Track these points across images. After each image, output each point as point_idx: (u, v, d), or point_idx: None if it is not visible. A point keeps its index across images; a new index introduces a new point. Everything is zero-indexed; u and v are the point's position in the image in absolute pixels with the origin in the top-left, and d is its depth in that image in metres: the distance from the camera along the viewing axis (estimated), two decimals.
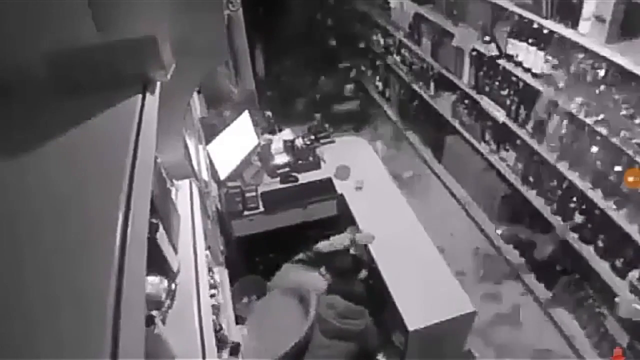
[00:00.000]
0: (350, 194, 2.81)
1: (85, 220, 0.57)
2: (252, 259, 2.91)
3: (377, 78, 5.20)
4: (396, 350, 2.31)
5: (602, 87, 2.25)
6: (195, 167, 1.90)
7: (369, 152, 3.26)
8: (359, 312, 2.23)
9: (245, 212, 2.72)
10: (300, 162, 2.98)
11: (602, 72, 2.26)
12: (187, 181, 1.66)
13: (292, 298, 2.30)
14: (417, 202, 3.43)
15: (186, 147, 1.77)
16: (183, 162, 1.67)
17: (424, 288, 2.22)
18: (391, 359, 2.36)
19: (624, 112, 2.10)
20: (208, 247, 1.66)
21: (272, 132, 3.28)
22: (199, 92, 2.74)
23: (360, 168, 2.99)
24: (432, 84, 4.06)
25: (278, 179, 2.93)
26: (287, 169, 2.96)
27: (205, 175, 2.19)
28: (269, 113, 3.48)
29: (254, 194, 2.78)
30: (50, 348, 0.43)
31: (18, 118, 0.81)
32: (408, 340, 2.12)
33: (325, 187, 2.88)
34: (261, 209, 2.75)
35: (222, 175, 2.74)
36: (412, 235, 2.54)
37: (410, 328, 2.05)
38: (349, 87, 5.44)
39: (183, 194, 1.60)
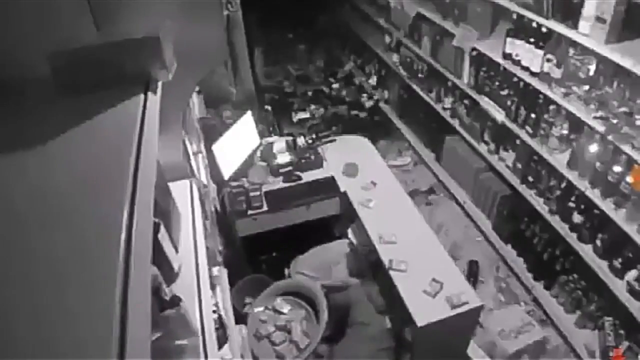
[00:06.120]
0: (354, 192, 2.82)
1: (89, 220, 0.57)
2: (256, 258, 2.92)
3: (376, 78, 5.19)
4: (407, 343, 2.33)
5: (601, 86, 2.25)
6: (194, 167, 1.89)
7: (370, 150, 3.26)
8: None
9: (250, 212, 2.73)
10: (302, 161, 2.98)
11: (602, 72, 2.26)
12: (187, 181, 1.66)
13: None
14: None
15: (185, 147, 1.76)
16: (182, 162, 1.67)
17: (431, 283, 2.23)
18: (403, 351, 2.38)
19: (623, 110, 2.11)
20: (207, 247, 1.66)
21: (273, 133, 3.28)
22: (198, 92, 2.74)
23: (362, 165, 3.00)
24: (431, 84, 4.06)
25: (281, 178, 2.93)
26: (290, 168, 2.96)
27: (204, 175, 2.18)
28: (269, 113, 3.48)
29: (258, 193, 2.77)
30: (57, 347, 0.43)
31: (20, 118, 0.81)
32: (417, 335, 2.16)
33: (328, 186, 2.89)
34: (265, 208, 2.75)
35: (226, 175, 2.74)
36: (417, 231, 2.56)
37: (419, 324, 2.07)
38: (348, 89, 5.46)
39: (183, 193, 1.59)
